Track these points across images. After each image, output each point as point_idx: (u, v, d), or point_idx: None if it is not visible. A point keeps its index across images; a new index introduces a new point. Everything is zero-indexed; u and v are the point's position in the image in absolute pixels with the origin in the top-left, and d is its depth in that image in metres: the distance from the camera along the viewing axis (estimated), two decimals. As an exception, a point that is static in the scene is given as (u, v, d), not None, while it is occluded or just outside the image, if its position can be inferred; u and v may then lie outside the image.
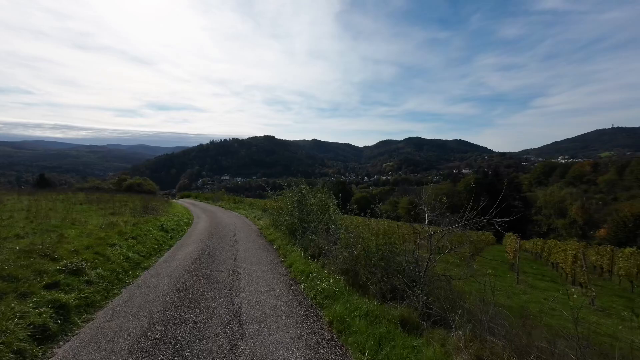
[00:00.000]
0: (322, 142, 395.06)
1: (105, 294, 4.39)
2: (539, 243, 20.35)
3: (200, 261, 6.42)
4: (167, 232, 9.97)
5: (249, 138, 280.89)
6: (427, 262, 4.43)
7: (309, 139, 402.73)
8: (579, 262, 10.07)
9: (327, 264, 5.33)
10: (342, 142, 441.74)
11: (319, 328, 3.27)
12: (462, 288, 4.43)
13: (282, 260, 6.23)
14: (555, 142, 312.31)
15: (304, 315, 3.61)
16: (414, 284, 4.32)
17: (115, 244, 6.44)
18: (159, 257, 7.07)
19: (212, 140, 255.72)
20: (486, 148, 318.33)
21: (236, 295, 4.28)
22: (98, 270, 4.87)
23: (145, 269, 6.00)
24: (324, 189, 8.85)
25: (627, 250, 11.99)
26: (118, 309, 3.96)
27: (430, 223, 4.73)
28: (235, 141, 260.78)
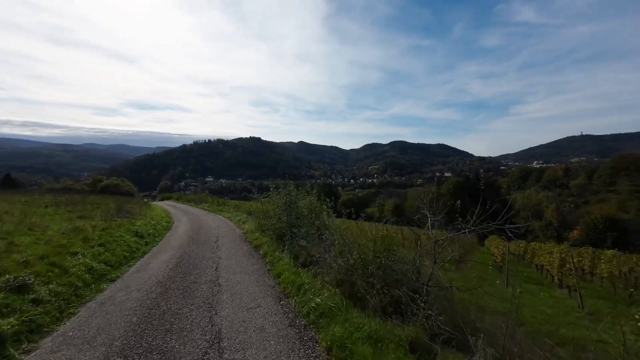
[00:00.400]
0: (308, 144, 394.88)
1: (58, 315, 3.68)
2: (521, 245, 20.74)
3: (177, 271, 5.74)
4: (142, 237, 9.13)
5: (234, 139, 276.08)
6: (432, 271, 4.04)
7: (296, 141, 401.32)
8: (567, 265, 10.10)
9: (320, 273, 4.83)
10: (329, 144, 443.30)
11: (315, 357, 2.76)
12: (465, 298, 4.05)
13: (269, 269, 5.66)
14: (531, 147, 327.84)
15: (296, 339, 3.08)
16: (417, 296, 3.91)
17: (78, 253, 5.64)
18: (130, 266, 6.31)
19: (196, 141, 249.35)
20: (467, 152, 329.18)
21: (216, 314, 3.69)
22: (51, 286, 4.13)
23: (112, 281, 5.26)
24: (314, 191, 8.36)
25: (609, 252, 12.26)
26: (70, 334, 3.28)
27: (432, 228, 4.36)
28: (220, 142, 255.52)
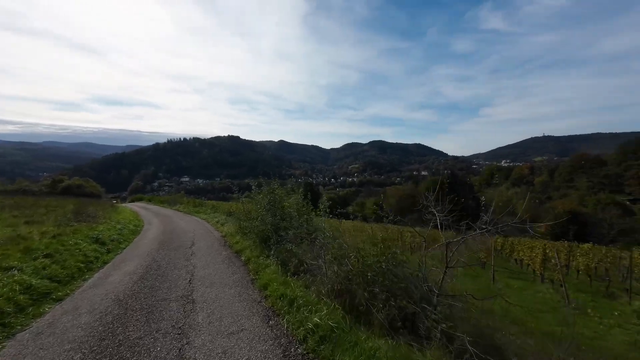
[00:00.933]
0: (289, 143, 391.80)
1: (-30, 356, 2.76)
2: (499, 240, 21.39)
3: (142, 284, 4.84)
4: (103, 244, 7.98)
5: (211, 138, 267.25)
6: (442, 278, 3.56)
7: (276, 140, 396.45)
8: (552, 260, 10.23)
9: (314, 283, 4.20)
10: (310, 143, 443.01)
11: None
12: (484, 308, 3.60)
13: (253, 279, 4.92)
14: (499, 147, 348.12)
15: (294, 377, 2.44)
16: (430, 308, 3.41)
17: (13, 267, 4.59)
18: (84, 280, 5.30)
19: (170, 139, 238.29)
20: (442, 152, 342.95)
21: (188, 343, 2.93)
22: (-36, 315, 3.16)
23: (59, 300, 4.29)
24: (300, 190, 7.70)
25: (586, 246, 12.72)
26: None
27: (440, 227, 3.89)
28: (197, 140, 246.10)
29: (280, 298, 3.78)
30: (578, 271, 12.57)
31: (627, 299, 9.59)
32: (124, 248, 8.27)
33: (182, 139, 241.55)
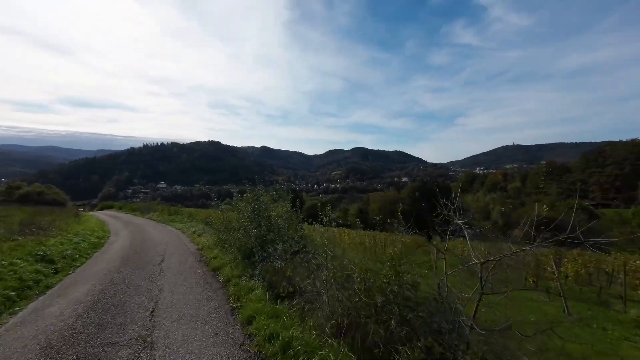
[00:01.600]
0: (271, 149, 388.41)
1: None
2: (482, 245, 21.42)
3: (88, 319, 3.77)
4: (51, 262, 6.66)
5: (191, 143, 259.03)
6: (476, 307, 2.87)
7: (258, 145, 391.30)
8: (549, 268, 9.99)
9: (311, 313, 3.36)
10: (293, 150, 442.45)
11: None
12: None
13: (234, 309, 3.98)
14: (474, 155, 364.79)
15: None
16: (457, 346, 2.69)
17: None
18: (12, 314, 4.12)
19: (147, 144, 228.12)
20: (421, 159, 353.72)
21: None
22: None
23: (-36, 349, 3.15)
24: (289, 196, 6.84)
25: (575, 251, 12.73)
26: None
27: (472, 237, 3.23)
28: (175, 145, 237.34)
29: (269, 339, 2.90)
30: (567, 277, 12.52)
31: (620, 306, 9.48)
32: (78, 266, 6.97)
33: (159, 144, 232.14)
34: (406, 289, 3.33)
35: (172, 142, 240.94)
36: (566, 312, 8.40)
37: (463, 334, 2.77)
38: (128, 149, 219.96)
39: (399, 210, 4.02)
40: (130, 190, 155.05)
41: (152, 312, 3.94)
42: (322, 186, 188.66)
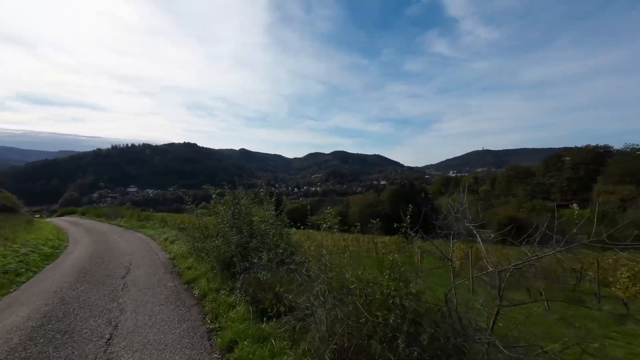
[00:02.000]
0: (250, 152, 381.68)
1: None
2: (462, 246, 21.94)
3: (24, 353, 3.01)
4: (-14, 279, 5.61)
5: (165, 144, 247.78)
6: (494, 320, 2.55)
7: (237, 148, 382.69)
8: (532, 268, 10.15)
9: (303, 332, 2.88)
10: (272, 152, 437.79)
11: None
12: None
13: (211, 330, 3.38)
14: (448, 159, 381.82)
15: None
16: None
17: None
18: None
19: (115, 145, 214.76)
20: (399, 163, 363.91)
21: None
22: None
23: None
24: (273, 199, 6.31)
25: (547, 249, 13.22)
26: None
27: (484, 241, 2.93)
28: (147, 147, 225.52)
29: (257, 371, 2.38)
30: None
31: (594, 302, 9.85)
32: (23, 283, 5.95)
33: (129, 145, 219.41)
34: (412, 300, 2.96)
35: (144, 144, 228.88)
36: (547, 308, 8.53)
37: (481, 352, 2.44)
38: (94, 150, 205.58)
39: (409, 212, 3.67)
40: (96, 195, 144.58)
41: (108, 339, 3.24)
42: (302, 189, 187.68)
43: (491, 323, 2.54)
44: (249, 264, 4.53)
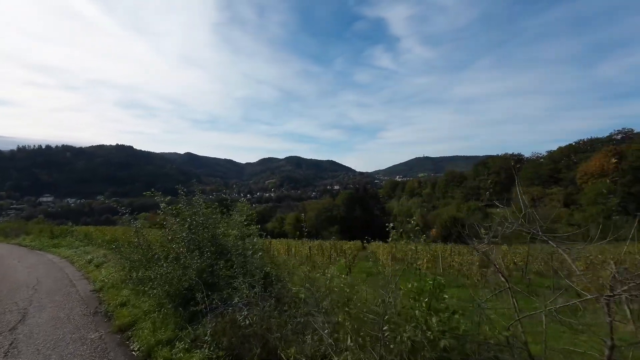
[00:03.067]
0: (198, 156, 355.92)
1: None
2: (410, 247, 22.50)
3: None
4: None
5: (91, 146, 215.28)
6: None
7: (182, 152, 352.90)
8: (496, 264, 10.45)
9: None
10: (223, 157, 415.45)
11: None
12: None
13: None
14: (394, 165, 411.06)
15: None
16: None
17: None
18: None
19: (24, 146, 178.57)
20: (351, 168, 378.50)
21: None
22: None
23: None
24: (245, 207, 5.00)
25: (504, 247, 14.12)
26: None
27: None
28: (68, 149, 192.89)
29: None
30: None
31: (545, 295, 10.63)
32: None
33: (42, 147, 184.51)
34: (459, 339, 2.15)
35: (63, 145, 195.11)
36: (516, 308, 8.78)
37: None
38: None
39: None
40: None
41: None
42: (255, 195, 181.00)
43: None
44: (218, 299, 3.21)
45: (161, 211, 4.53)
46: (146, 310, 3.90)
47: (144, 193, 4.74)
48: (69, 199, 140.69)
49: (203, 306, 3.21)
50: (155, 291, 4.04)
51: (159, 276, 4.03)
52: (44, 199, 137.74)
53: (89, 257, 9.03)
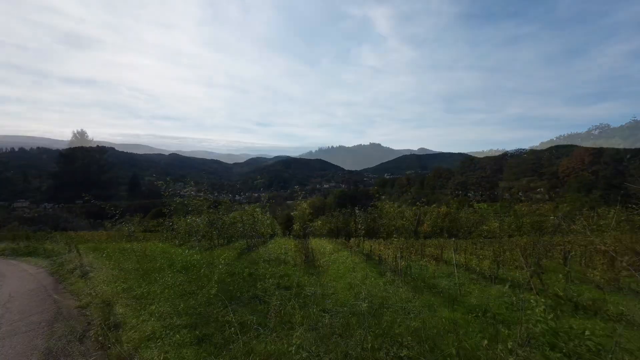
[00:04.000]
0: (183, 157, 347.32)
1: None
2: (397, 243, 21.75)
3: None
4: None
5: (69, 148, 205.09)
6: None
7: (167, 153, 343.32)
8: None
9: None
10: (209, 158, 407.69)
11: None
12: None
13: None
14: (382, 163, 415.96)
15: None
16: None
17: None
18: None
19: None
20: (339, 167, 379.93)
21: None
22: None
23: None
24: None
25: (487, 240, 13.82)
26: None
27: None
28: (44, 152, 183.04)
29: None
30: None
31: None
32: None
33: (15, 149, 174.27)
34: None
35: (38, 148, 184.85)
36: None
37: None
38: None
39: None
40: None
41: None
42: (245, 195, 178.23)
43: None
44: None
45: (171, 216, 3.73)
46: (156, 327, 3.10)
47: (157, 183, 3.90)
48: (46, 204, 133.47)
49: (232, 330, 2.46)
50: (161, 308, 3.24)
51: (166, 290, 3.23)
52: (19, 204, 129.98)
53: (70, 266, 7.97)
